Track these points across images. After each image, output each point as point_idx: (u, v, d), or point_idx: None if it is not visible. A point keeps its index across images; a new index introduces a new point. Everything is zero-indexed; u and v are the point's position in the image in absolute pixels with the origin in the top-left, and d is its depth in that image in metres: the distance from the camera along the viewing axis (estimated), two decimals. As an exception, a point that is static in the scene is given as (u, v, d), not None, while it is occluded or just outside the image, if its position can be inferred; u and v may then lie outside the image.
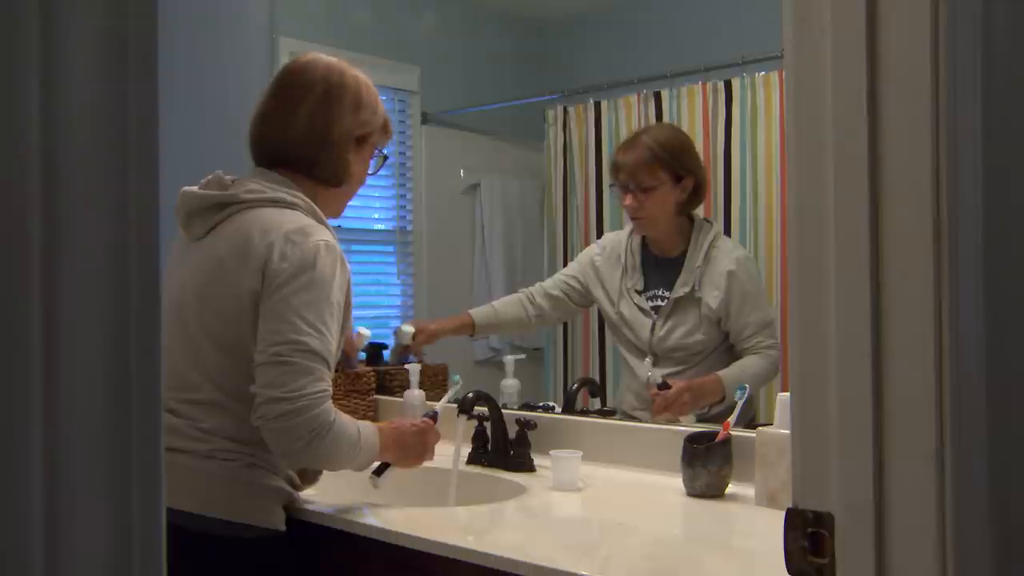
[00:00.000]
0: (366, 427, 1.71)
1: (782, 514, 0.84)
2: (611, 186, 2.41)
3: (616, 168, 2.31)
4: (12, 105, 0.47)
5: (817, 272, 0.83)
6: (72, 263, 0.49)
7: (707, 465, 1.87)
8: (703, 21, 2.96)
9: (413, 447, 1.84)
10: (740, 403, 1.94)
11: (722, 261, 2.24)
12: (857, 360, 0.80)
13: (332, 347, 1.63)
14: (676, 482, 1.93)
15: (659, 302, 2.30)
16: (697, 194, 2.29)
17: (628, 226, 2.42)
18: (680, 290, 2.26)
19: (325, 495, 1.90)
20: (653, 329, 2.29)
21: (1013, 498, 0.77)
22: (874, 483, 0.79)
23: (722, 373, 2.19)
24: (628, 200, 2.27)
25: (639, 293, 2.34)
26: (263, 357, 1.59)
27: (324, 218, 1.76)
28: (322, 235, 1.67)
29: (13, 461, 0.47)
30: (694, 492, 1.89)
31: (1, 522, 0.47)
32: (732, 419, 1.92)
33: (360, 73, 1.82)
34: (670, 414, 2.19)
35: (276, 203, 1.70)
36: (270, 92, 1.79)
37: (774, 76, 2.52)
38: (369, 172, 1.88)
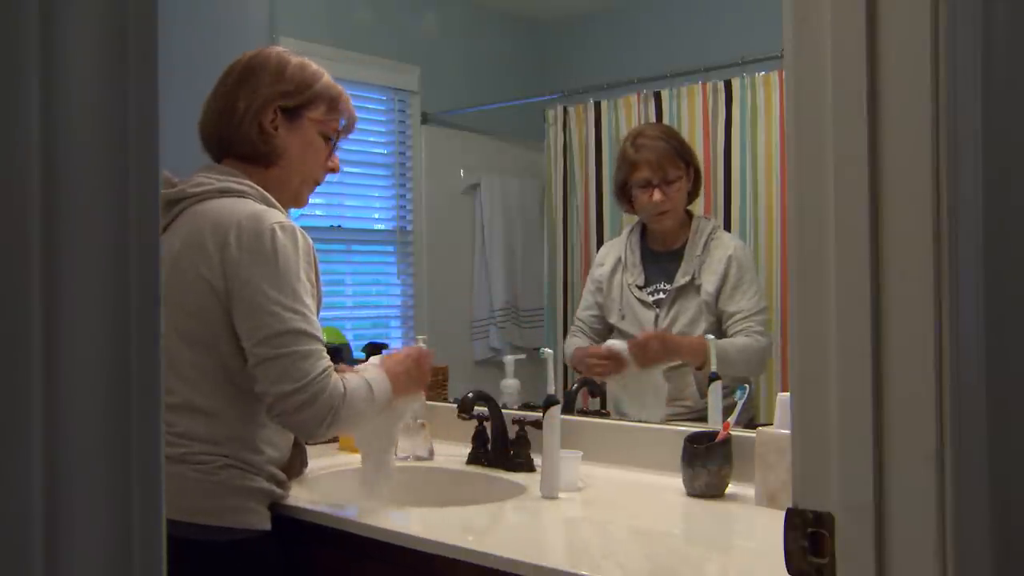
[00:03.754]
0: (373, 377, 1.71)
1: (782, 514, 0.84)
2: (621, 187, 2.37)
3: (634, 167, 2.31)
4: (12, 105, 0.47)
5: (817, 272, 0.83)
6: (72, 263, 0.49)
7: (707, 465, 1.87)
8: (703, 21, 2.96)
9: (413, 374, 1.85)
10: (740, 403, 1.94)
11: (721, 250, 2.28)
12: (857, 360, 0.80)
13: (317, 322, 1.64)
14: (676, 482, 1.93)
15: (660, 295, 2.33)
16: (698, 183, 2.35)
17: (626, 229, 2.44)
18: (681, 280, 2.29)
19: (324, 495, 1.90)
20: (656, 321, 2.30)
21: (1013, 498, 0.77)
22: (874, 483, 0.79)
23: (711, 338, 2.21)
24: (656, 195, 2.29)
25: (640, 288, 2.35)
26: (257, 356, 1.59)
27: (277, 204, 1.73)
28: (274, 217, 1.65)
29: (13, 461, 0.47)
30: (694, 492, 1.89)
31: (1, 522, 0.47)
32: (732, 419, 1.92)
33: (300, 58, 1.79)
34: (639, 362, 2.23)
35: (225, 193, 1.69)
36: None
37: (774, 76, 2.52)
38: (335, 152, 1.83)
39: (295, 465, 1.80)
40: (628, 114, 2.87)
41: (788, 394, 0.92)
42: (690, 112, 2.70)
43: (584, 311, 2.51)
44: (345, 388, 1.62)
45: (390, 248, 3.21)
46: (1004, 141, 0.77)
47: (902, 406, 0.78)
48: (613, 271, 2.42)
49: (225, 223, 1.62)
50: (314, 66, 1.80)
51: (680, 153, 2.31)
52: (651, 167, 2.29)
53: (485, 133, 3.39)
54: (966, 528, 0.75)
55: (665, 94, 2.77)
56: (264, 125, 1.73)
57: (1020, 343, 0.77)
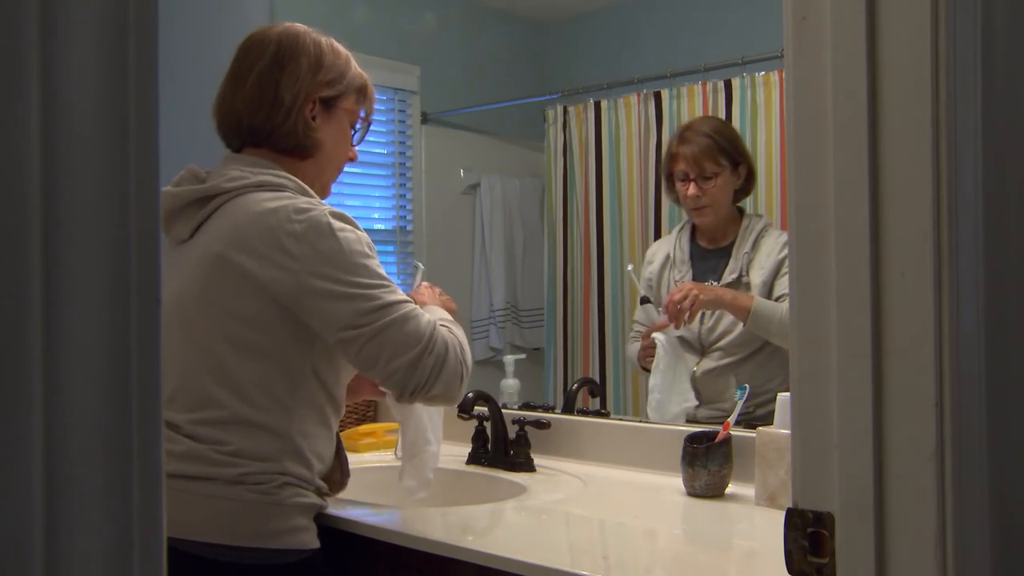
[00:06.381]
0: (441, 315, 1.71)
1: (782, 514, 0.84)
2: (667, 177, 2.35)
3: (674, 159, 2.31)
4: (12, 104, 0.47)
5: (817, 272, 0.83)
6: (72, 263, 0.49)
7: (707, 465, 1.87)
8: (703, 21, 2.96)
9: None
10: (740, 403, 1.94)
11: (770, 247, 2.26)
12: (857, 360, 0.80)
13: (399, 289, 1.58)
14: (676, 482, 1.93)
15: None
16: (750, 181, 2.33)
17: (676, 227, 2.44)
18: (729, 277, 2.27)
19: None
20: (702, 319, 2.29)
21: (1013, 498, 0.77)
22: (874, 483, 0.79)
23: (758, 297, 2.17)
24: (691, 189, 2.28)
25: None
26: (358, 338, 1.50)
27: (314, 195, 1.63)
28: (322, 206, 1.56)
29: (13, 461, 0.47)
30: (694, 492, 1.89)
31: (1, 522, 0.47)
32: (732, 419, 1.92)
33: (327, 37, 1.71)
34: (683, 309, 2.16)
35: (262, 187, 1.57)
36: (227, 69, 1.68)
37: (774, 76, 2.52)
38: (353, 142, 1.76)
39: (335, 477, 1.68)
40: (628, 114, 2.87)
41: (788, 394, 0.92)
42: (690, 112, 2.70)
43: (639, 313, 2.51)
44: (450, 328, 1.60)
45: (390, 248, 3.21)
46: (1004, 140, 0.77)
47: (902, 406, 0.78)
48: (663, 268, 2.42)
49: (273, 222, 1.51)
50: (342, 49, 1.72)
51: (723, 149, 2.28)
52: (687, 161, 2.28)
53: (485, 133, 3.39)
54: (966, 528, 0.75)
55: (665, 94, 2.77)
56: (307, 117, 1.65)
57: (1020, 343, 0.77)
